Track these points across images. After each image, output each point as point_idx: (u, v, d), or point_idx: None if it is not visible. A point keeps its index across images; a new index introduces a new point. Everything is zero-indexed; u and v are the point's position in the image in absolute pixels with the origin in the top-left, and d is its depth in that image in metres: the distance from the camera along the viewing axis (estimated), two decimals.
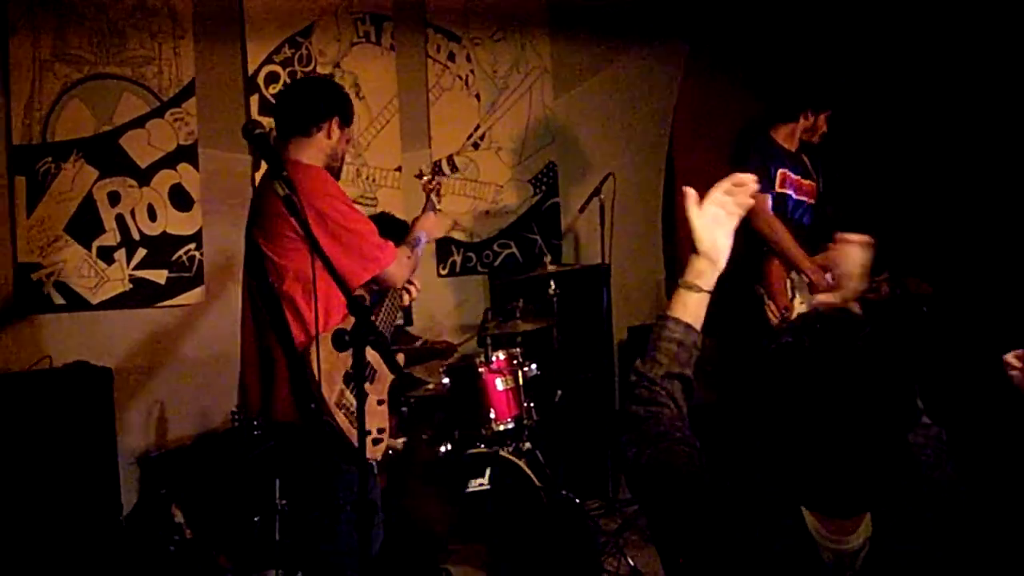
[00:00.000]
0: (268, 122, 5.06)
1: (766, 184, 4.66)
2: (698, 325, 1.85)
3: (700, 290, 1.86)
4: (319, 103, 3.36)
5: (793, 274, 4.73)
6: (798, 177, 4.88)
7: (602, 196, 5.40)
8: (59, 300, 4.72)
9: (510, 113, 6.08)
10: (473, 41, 5.95)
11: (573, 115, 6.31)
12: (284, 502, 3.98)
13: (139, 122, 4.92)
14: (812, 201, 4.95)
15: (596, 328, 5.49)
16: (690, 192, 1.89)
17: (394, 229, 5.03)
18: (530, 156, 6.15)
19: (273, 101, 5.26)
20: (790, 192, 4.83)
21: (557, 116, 6.24)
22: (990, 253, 5.15)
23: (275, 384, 3.13)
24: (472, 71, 5.97)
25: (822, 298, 2.15)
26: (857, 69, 5.58)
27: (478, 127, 6.00)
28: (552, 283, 4.96)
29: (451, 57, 5.90)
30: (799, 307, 4.71)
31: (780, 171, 4.81)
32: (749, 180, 1.93)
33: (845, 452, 1.47)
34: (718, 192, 1.91)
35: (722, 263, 1.88)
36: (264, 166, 3.74)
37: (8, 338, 4.62)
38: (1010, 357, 2.07)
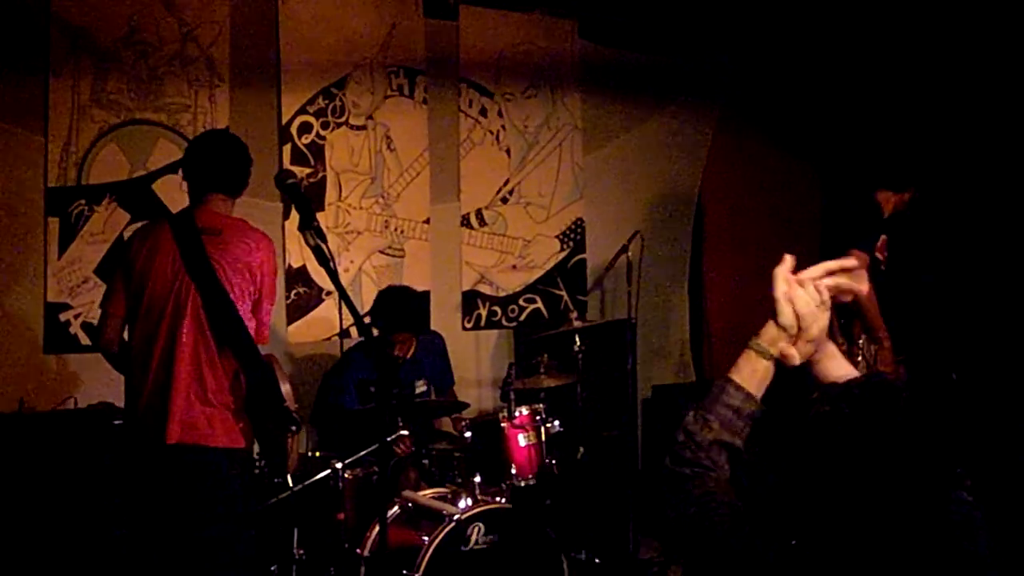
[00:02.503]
0: (300, 171, 5.19)
1: (869, 246, 4.68)
2: (759, 395, 1.72)
3: (772, 357, 1.72)
4: (248, 171, 3.57)
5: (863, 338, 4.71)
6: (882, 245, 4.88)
7: (629, 254, 5.40)
8: (86, 341, 4.74)
9: (540, 169, 6.11)
10: (505, 97, 6.00)
11: (602, 172, 6.33)
12: (302, 552, 3.95)
13: (173, 168, 4.97)
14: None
15: (620, 386, 5.45)
16: (787, 262, 1.70)
17: (404, 303, 4.95)
18: (558, 212, 6.16)
19: (305, 150, 5.33)
20: (880, 258, 4.82)
21: (587, 173, 6.26)
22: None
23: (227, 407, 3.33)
24: (503, 126, 6.01)
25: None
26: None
27: (507, 182, 6.02)
28: (577, 339, 4.95)
29: (483, 112, 5.94)
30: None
31: (883, 236, 4.80)
32: (859, 265, 1.77)
33: (885, 522, 1.44)
34: (826, 277, 1.71)
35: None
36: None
37: (34, 377, 4.65)
38: None
